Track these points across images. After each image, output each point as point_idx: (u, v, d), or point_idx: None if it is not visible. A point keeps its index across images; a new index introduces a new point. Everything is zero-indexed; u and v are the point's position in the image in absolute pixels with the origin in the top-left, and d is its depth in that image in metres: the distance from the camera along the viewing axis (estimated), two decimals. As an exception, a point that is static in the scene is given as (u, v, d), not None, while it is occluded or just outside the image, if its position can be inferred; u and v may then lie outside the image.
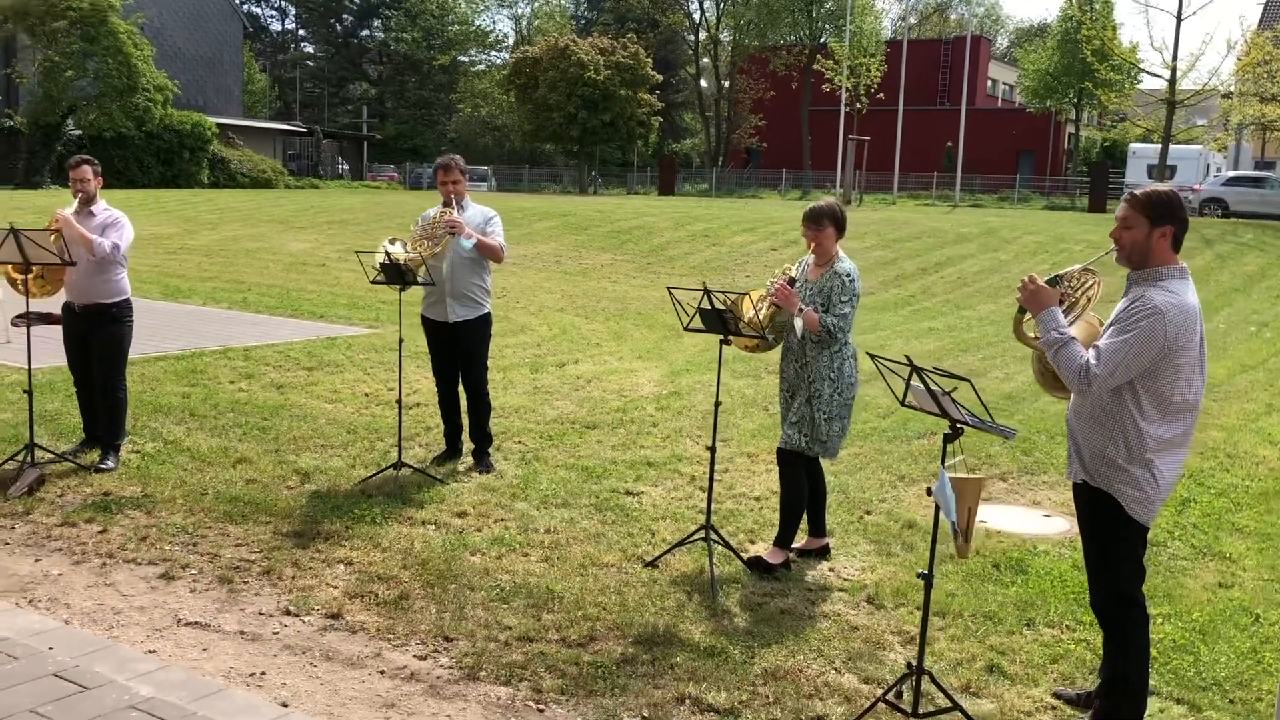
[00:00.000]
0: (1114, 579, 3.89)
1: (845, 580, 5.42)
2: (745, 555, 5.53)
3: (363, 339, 12.16)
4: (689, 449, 7.85)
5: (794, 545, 5.68)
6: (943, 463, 3.69)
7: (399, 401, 6.95)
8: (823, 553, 5.74)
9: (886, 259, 21.31)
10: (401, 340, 7.06)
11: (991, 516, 6.75)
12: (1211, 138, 38.78)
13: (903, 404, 3.97)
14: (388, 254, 6.50)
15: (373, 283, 6.68)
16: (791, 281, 5.37)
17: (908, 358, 3.79)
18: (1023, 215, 31.45)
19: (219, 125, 41.82)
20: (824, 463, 6.00)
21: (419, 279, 6.57)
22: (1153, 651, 4.62)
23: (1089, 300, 4.07)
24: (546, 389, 9.84)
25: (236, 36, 50.46)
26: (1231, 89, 34.13)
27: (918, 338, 14.25)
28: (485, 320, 7.09)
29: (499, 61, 73.07)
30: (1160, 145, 34.12)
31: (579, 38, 47.99)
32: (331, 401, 8.92)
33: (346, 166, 57.96)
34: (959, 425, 3.69)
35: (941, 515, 3.77)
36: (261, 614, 4.70)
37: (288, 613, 4.71)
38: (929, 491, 3.74)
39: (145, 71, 35.75)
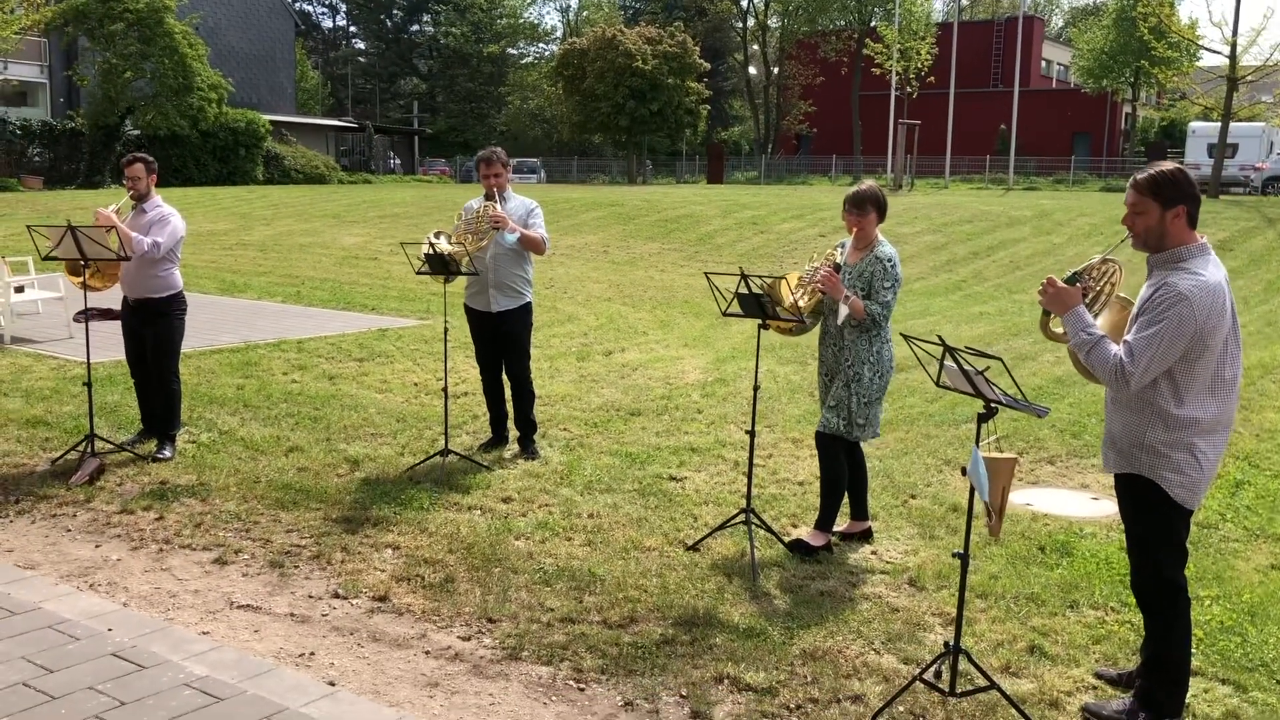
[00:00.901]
0: (1157, 564, 3.85)
1: (887, 563, 5.42)
2: (786, 539, 5.55)
3: (413, 330, 12.33)
4: (733, 435, 7.88)
5: (836, 529, 5.70)
6: (976, 442, 3.69)
7: (445, 390, 7.05)
8: (865, 536, 5.75)
9: (937, 244, 21.11)
10: (447, 330, 7.16)
11: (1038, 499, 6.70)
12: (1275, 114, 37.81)
13: (937, 384, 3.97)
14: (433, 245, 6.59)
15: (418, 273, 6.78)
16: (837, 268, 5.37)
17: (940, 337, 3.79)
18: (1077, 197, 30.94)
19: (272, 122, 42.41)
20: (868, 447, 6.01)
21: (463, 269, 6.66)
22: (1199, 633, 4.60)
23: (1113, 287, 4.02)
24: (592, 377, 9.92)
25: (288, 34, 51.11)
26: (1295, 64, 33.23)
27: (968, 322, 14.13)
28: (527, 310, 7.17)
29: (547, 54, 73.31)
30: (1220, 123, 33.36)
31: (626, 27, 47.93)
32: (382, 391, 9.07)
33: (398, 161, 58.54)
34: (993, 405, 3.68)
35: (976, 495, 3.76)
36: (311, 597, 4.82)
37: (336, 596, 4.82)
38: (963, 471, 3.74)
39: (200, 71, 36.35)
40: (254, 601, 4.77)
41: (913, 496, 6.57)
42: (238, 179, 39.05)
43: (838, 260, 5.40)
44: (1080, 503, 6.65)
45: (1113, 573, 5.29)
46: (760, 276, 5.33)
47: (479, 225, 6.87)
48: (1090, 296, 3.96)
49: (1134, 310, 3.75)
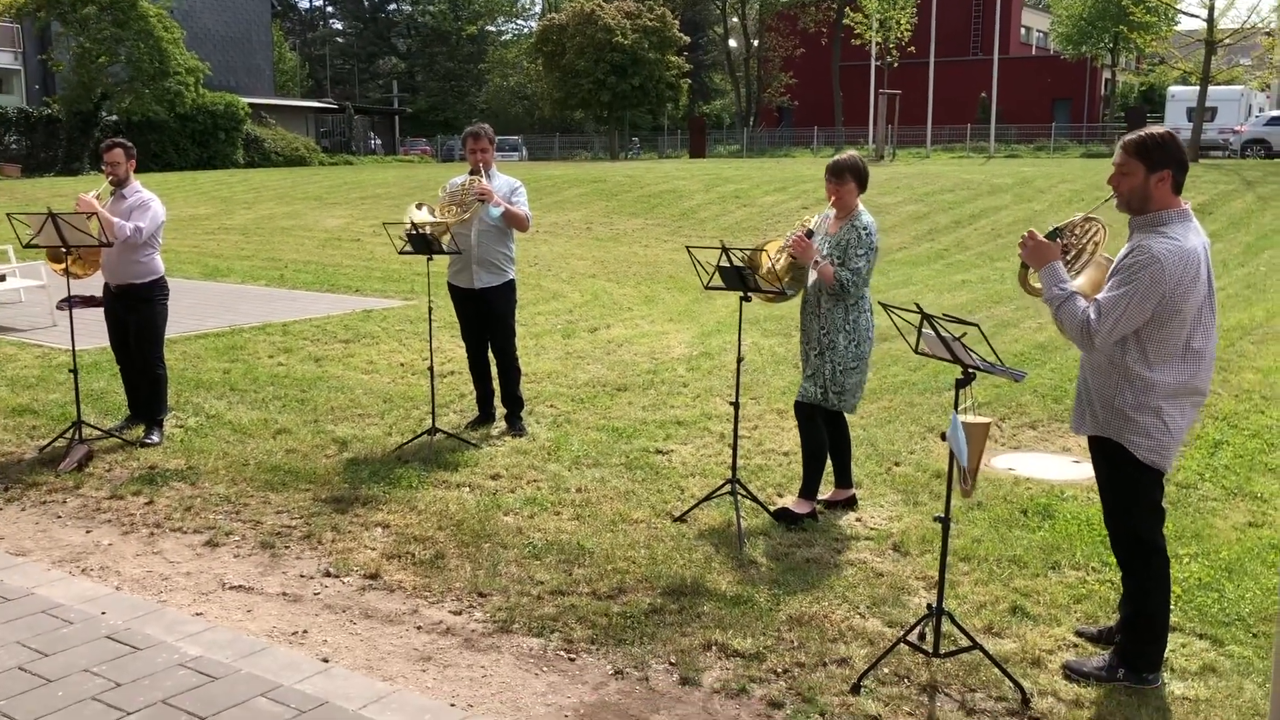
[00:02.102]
0: (1133, 526, 3.92)
1: (872, 529, 5.49)
2: (772, 508, 5.62)
3: (398, 311, 12.34)
4: (718, 407, 7.93)
5: (821, 497, 5.77)
6: (955, 408, 3.75)
7: (430, 369, 7.09)
8: (849, 504, 5.82)
9: (919, 213, 21.17)
10: (431, 309, 7.18)
11: (1020, 464, 6.79)
12: (1254, 77, 37.89)
13: (916, 351, 4.02)
14: (413, 224, 6.60)
15: (401, 253, 6.80)
16: (809, 234, 5.41)
17: (917, 305, 3.84)
18: (1058, 164, 31.01)
19: (251, 105, 42.16)
20: (850, 416, 6.05)
21: (445, 248, 6.67)
22: (1177, 590, 4.68)
23: (1096, 246, 4.05)
24: (578, 354, 9.95)
25: (265, 15, 50.70)
26: (1273, 26, 33.31)
27: (950, 291, 14.20)
28: (510, 287, 7.20)
29: (527, 30, 72.88)
30: (1199, 87, 33.43)
31: (605, 2, 47.65)
32: (368, 372, 9.10)
33: (379, 141, 58.25)
34: (970, 370, 3.74)
35: (954, 459, 3.83)
36: (302, 576, 4.86)
37: (328, 574, 4.87)
38: (943, 436, 3.81)
39: (176, 54, 36.07)
40: (246, 582, 4.81)
41: (896, 464, 6.65)
42: (218, 163, 38.83)
43: (811, 227, 5.44)
44: (1062, 466, 6.74)
45: (1094, 534, 5.37)
46: (740, 249, 5.37)
47: (464, 198, 6.88)
48: (1072, 254, 4.00)
49: (1110, 269, 3.79)
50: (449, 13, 70.50)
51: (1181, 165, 3.73)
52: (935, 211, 21.23)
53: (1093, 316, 3.64)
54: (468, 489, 6.01)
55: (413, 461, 6.51)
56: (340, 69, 76.62)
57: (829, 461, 5.74)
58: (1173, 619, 4.40)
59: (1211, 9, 31.29)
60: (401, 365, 9.37)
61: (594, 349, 10.20)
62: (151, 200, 7.04)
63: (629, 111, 49.27)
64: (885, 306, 4.04)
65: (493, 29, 74.95)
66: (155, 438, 6.96)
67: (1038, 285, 4.04)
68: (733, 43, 65.56)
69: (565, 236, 20.54)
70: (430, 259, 6.79)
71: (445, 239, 6.90)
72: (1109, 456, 3.89)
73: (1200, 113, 32.02)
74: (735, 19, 64.13)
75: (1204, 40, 31.78)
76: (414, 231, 6.56)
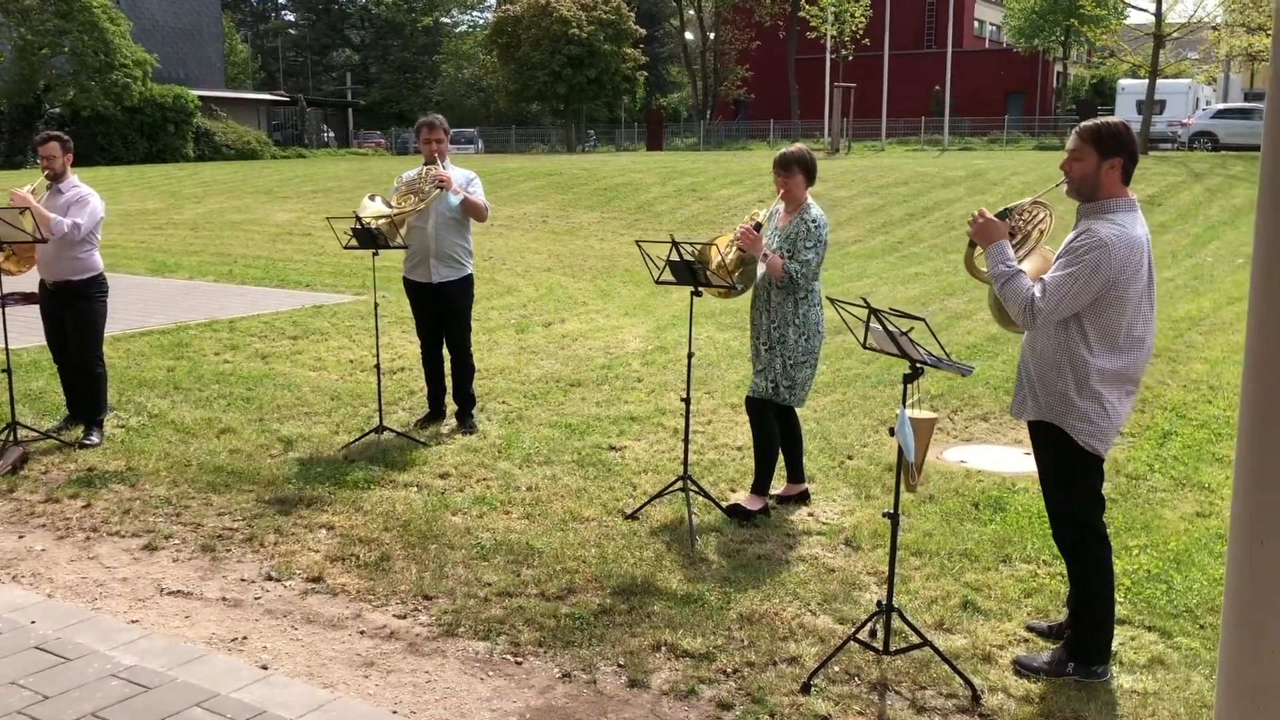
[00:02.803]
0: (1072, 511, 3.95)
1: (824, 524, 5.46)
2: (724, 504, 5.57)
3: (348, 306, 12.16)
4: (673, 403, 7.88)
5: (773, 492, 5.73)
6: (903, 403, 3.71)
7: (377, 366, 6.96)
8: (802, 498, 5.78)
9: (874, 206, 21.25)
10: (377, 305, 7.06)
11: (972, 456, 6.79)
12: (1201, 71, 38.47)
13: (864, 346, 3.98)
14: (358, 218, 6.47)
15: (345, 248, 6.67)
16: (758, 226, 5.36)
17: (864, 299, 3.80)
18: (1011, 156, 31.28)
19: (201, 98, 41.50)
20: (804, 410, 6.03)
21: (391, 243, 6.55)
22: (1126, 581, 4.70)
23: (1041, 234, 4.11)
24: (532, 349, 9.86)
25: (215, 6, 49.91)
26: (1219, 20, 33.82)
27: (904, 283, 14.25)
28: (468, 281, 7.09)
29: (482, 22, 72.38)
30: (1148, 80, 33.86)
31: (560, -6, 47.41)
32: (316, 369, 8.94)
33: (332, 134, 57.61)
34: (918, 365, 3.70)
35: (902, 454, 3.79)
36: (244, 580, 4.74)
37: (269, 578, 4.75)
38: (891, 432, 3.77)
39: (122, 46, 35.38)
40: (185, 587, 4.68)
41: (849, 457, 6.63)
42: (168, 156, 38.20)
43: (760, 219, 5.39)
44: (1013, 458, 6.75)
45: (1044, 526, 5.36)
46: (690, 243, 5.31)
47: (421, 185, 6.75)
48: (1018, 238, 4.04)
49: (1056, 254, 3.84)
50: (403, 4, 69.89)
51: (1132, 156, 3.80)
52: (890, 204, 21.32)
53: (1037, 294, 3.69)
54: (415, 488, 5.91)
55: (360, 461, 6.39)
56: (293, 61, 75.69)
57: (780, 456, 5.70)
58: (1122, 611, 4.41)
59: (1159, 3, 31.70)
60: (351, 362, 9.22)
61: (548, 344, 10.11)
62: (90, 195, 6.86)
63: (585, 104, 49.10)
64: (833, 301, 4.00)
65: (447, 21, 74.39)
66: (94, 438, 6.78)
67: (983, 268, 4.06)
68: (689, 35, 65.50)
69: (520, 230, 20.39)
70: (376, 254, 6.67)
71: (401, 233, 6.79)
72: (1050, 441, 3.92)
73: (1149, 105, 32.44)
74: (691, 12, 64.08)
75: (1152, 34, 32.20)
76: (359, 226, 6.43)
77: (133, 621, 4.34)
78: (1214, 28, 34.05)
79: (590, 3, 45.94)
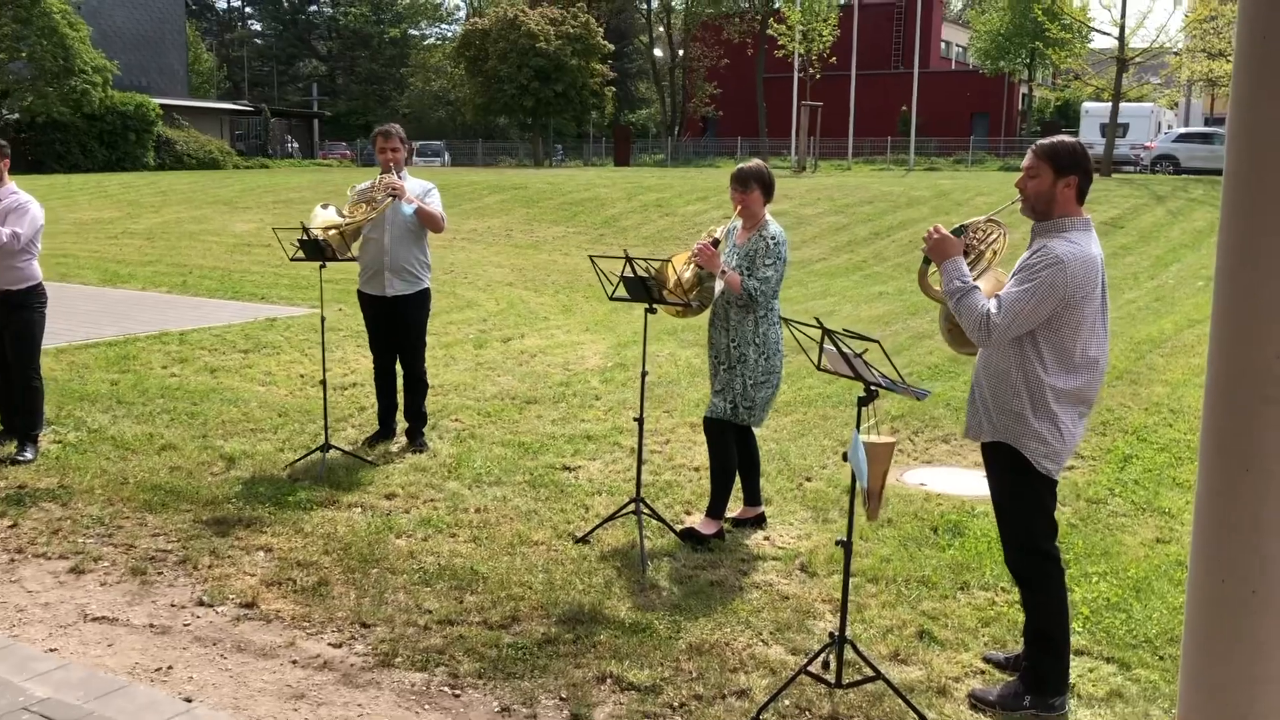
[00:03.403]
0: (1026, 534, 3.87)
1: (780, 549, 5.33)
2: (679, 527, 5.42)
3: (303, 319, 11.92)
4: (631, 422, 7.71)
5: (729, 515, 5.60)
6: (857, 427, 3.58)
7: (323, 381, 6.76)
8: (758, 522, 5.65)
9: (839, 224, 21.25)
10: (324, 319, 6.88)
11: (932, 479, 6.69)
12: (1163, 95, 38.98)
13: (818, 368, 3.86)
14: (305, 228, 6.29)
15: (292, 259, 6.48)
16: (716, 243, 5.23)
17: (817, 319, 3.68)
18: (976, 177, 31.47)
19: (163, 106, 40.97)
20: (764, 430, 5.90)
21: (340, 255, 6.37)
22: (1084, 610, 4.59)
23: (994, 254, 4.07)
24: (489, 365, 9.68)
25: (179, 14, 49.39)
26: (1180, 46, 34.28)
27: (868, 302, 14.21)
28: (425, 295, 6.91)
29: (450, 35, 72.19)
30: (1111, 104, 34.24)
31: (529, 8, 47.34)
32: (265, 384, 8.72)
33: (296, 145, 57.11)
34: (873, 388, 3.58)
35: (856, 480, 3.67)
36: (174, 606, 4.54)
37: (201, 603, 4.55)
38: (844, 457, 3.64)
39: (82, 52, 34.86)
40: (110, 613, 4.47)
41: (808, 479, 6.51)
42: (128, 165, 37.66)
43: (718, 235, 5.27)
44: (973, 481, 6.65)
45: (1002, 552, 5.27)
46: (645, 259, 5.17)
47: (373, 194, 6.59)
48: (971, 256, 3.96)
49: (1011, 272, 3.77)
50: (370, 15, 69.54)
51: (1087, 175, 3.74)
52: (855, 223, 21.34)
53: (992, 310, 3.62)
54: (359, 509, 5.72)
55: (304, 480, 6.19)
56: (259, 71, 75.09)
57: (738, 478, 5.57)
58: (1080, 641, 4.30)
59: (1123, 28, 32.09)
60: (301, 377, 9.00)
61: (506, 360, 9.93)
62: (29, 203, 6.63)
63: (553, 118, 48.97)
64: (787, 321, 3.88)
65: (415, 33, 74.10)
66: (28, 454, 6.54)
67: (935, 286, 3.97)
68: (658, 52, 65.64)
69: (484, 243, 20.21)
70: (323, 266, 6.48)
71: (354, 246, 6.62)
72: (1004, 462, 3.83)
73: (1113, 128, 32.78)
74: (661, 29, 64.25)
75: (1116, 58, 32.57)
76: (305, 237, 6.25)
77: (51, 650, 4.12)
78: (1175, 53, 34.52)
79: (558, 17, 45.90)
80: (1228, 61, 30.93)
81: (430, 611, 4.46)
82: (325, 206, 6.50)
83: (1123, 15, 32.59)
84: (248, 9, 79.88)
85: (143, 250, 18.89)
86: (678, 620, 4.40)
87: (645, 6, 65.05)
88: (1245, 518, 2.26)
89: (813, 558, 5.14)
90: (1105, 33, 35.69)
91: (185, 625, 4.35)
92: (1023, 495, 3.81)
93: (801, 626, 4.40)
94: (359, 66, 69.82)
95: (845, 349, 3.53)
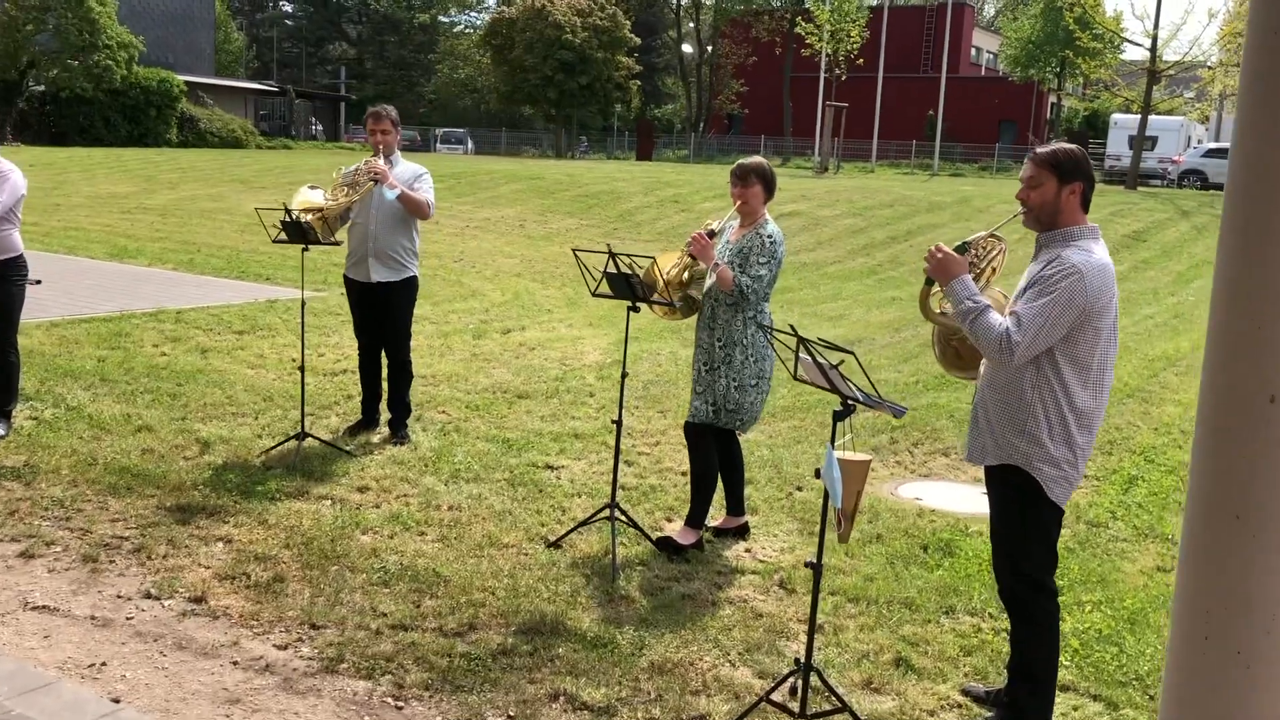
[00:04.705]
0: (1026, 565, 3.63)
1: (760, 562, 5.11)
2: (655, 535, 5.21)
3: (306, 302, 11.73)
4: (624, 420, 7.50)
5: (711, 524, 5.38)
6: (831, 442, 3.36)
7: (301, 368, 6.58)
8: (741, 532, 5.43)
9: (856, 227, 20.96)
10: (304, 303, 6.70)
11: (928, 493, 6.46)
12: (1193, 108, 38.44)
13: (795, 378, 3.63)
14: (288, 210, 6.10)
15: (274, 241, 6.30)
16: (711, 234, 5.01)
17: (792, 327, 3.45)
18: (999, 185, 31.08)
19: (188, 83, 40.96)
20: (758, 435, 5.68)
21: (323, 239, 6.18)
22: (1074, 643, 4.36)
23: (994, 271, 3.83)
24: (485, 356, 9.49)
25: (209, -8, 49.43)
26: (1213, 60, 33.76)
27: (879, 307, 13.93)
28: (411, 283, 6.71)
29: (479, 22, 72.03)
30: (1140, 116, 33.79)
31: (557, -1, 47.15)
32: (255, 367, 8.55)
33: (320, 128, 57.09)
34: (849, 401, 3.36)
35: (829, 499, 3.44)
36: (120, 597, 4.35)
37: (148, 596, 4.37)
38: (817, 474, 3.42)
39: (108, 27, 34.85)
40: (52, 602, 4.29)
41: (798, 488, 6.28)
42: (149, 140, 37.68)
43: (714, 228, 5.05)
44: (971, 497, 6.41)
45: (993, 575, 5.03)
46: (630, 256, 4.96)
47: (356, 178, 6.42)
48: (972, 275, 3.70)
49: (1021, 286, 3.54)
50: (401, 1, 69.49)
51: (1090, 181, 3.52)
52: (873, 226, 21.04)
53: (1012, 328, 3.38)
54: (329, 502, 5.53)
55: (277, 469, 6.00)
56: (289, 52, 75.18)
57: (720, 486, 5.35)
58: (1068, 676, 4.07)
59: (1155, 40, 31.63)
60: (293, 361, 8.80)
61: (503, 352, 9.74)
62: (11, 171, 6.46)
63: (577, 110, 48.77)
64: (762, 329, 3.66)
65: (445, 20, 74.01)
66: (0, 430, 6.38)
67: (937, 309, 3.75)
68: (686, 48, 65.33)
69: (496, 233, 20.02)
70: (305, 249, 6.30)
71: (340, 230, 6.44)
72: (1012, 488, 3.59)
73: (1140, 141, 32.33)
74: (690, 24, 63.92)
75: (1147, 69, 32.11)
76: (288, 219, 6.06)
77: (-15, 639, 3.94)
78: (1209, 66, 34.00)
79: (586, 9, 45.67)
80: (1262, 77, 30.38)
81: (385, 615, 4.26)
82: (313, 188, 6.33)
83: (1155, 26, 32.09)
84: (279, -11, 80.00)
85: (154, 226, 18.79)
86: (642, 635, 4.19)
87: (675, 1, 64.75)
88: (1235, 568, 2.03)
89: (793, 574, 4.92)
90: (1137, 44, 35.12)
91: (128, 619, 4.17)
92: (1028, 523, 3.58)
93: (772, 648, 4.18)
94: (388, 51, 69.78)
95: (821, 359, 3.30)
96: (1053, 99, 54.85)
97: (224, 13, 63.23)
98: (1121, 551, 5.60)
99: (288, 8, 79.66)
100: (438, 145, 52.03)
